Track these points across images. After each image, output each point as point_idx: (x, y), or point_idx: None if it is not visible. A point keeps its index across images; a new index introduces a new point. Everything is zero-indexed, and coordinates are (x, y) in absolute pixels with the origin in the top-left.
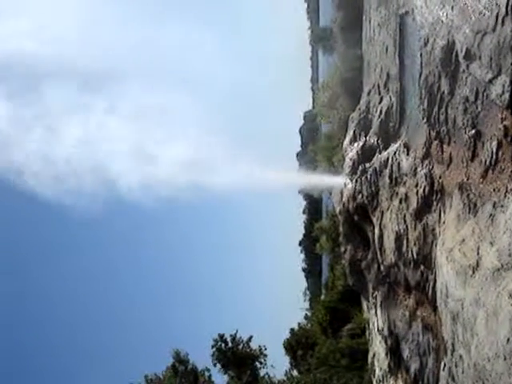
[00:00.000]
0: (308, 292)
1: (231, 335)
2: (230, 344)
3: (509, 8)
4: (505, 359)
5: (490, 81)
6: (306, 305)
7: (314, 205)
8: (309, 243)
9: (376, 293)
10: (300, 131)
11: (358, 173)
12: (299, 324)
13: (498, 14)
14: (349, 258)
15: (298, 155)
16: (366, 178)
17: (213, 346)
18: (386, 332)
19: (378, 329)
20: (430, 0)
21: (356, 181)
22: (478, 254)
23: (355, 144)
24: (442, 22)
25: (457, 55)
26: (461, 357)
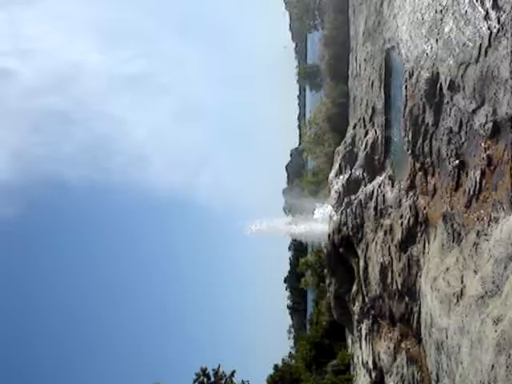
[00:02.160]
0: (292, 329)
1: (213, 369)
2: (212, 378)
3: (492, 39)
4: None
5: (474, 111)
6: (291, 342)
7: (299, 242)
8: (294, 280)
9: (361, 326)
10: (286, 168)
11: (344, 205)
12: (283, 360)
13: (481, 45)
14: (334, 290)
15: (284, 192)
16: (352, 210)
17: (194, 381)
18: (370, 365)
19: (362, 362)
20: (415, 34)
21: (341, 213)
22: (462, 282)
23: (341, 177)
24: (427, 54)
25: (441, 87)
26: None
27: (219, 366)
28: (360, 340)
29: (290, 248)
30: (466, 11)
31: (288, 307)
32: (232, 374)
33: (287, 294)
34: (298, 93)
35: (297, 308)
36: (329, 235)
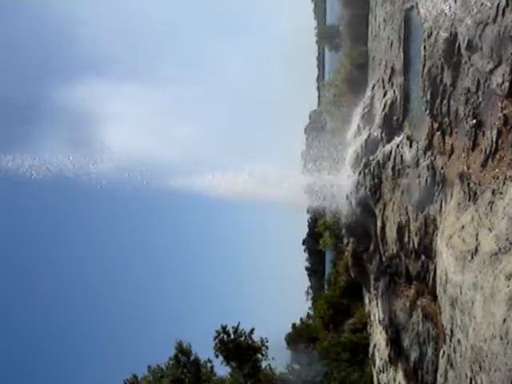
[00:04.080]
0: (311, 291)
1: (233, 327)
2: (232, 336)
3: None
4: (501, 339)
5: (491, 71)
6: (309, 304)
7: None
8: (312, 242)
9: (377, 284)
10: (305, 130)
11: (362, 165)
12: (301, 319)
13: (498, 4)
14: (351, 250)
15: (302, 154)
16: (369, 170)
17: (215, 338)
18: (386, 322)
19: (378, 319)
20: None
21: (359, 173)
22: (476, 239)
23: (359, 137)
24: (445, 14)
25: (459, 47)
26: (459, 341)
27: (239, 324)
28: (377, 298)
29: (308, 210)
30: None
31: (306, 269)
32: (251, 331)
33: (305, 255)
34: (316, 54)
35: (315, 269)
36: (346, 195)
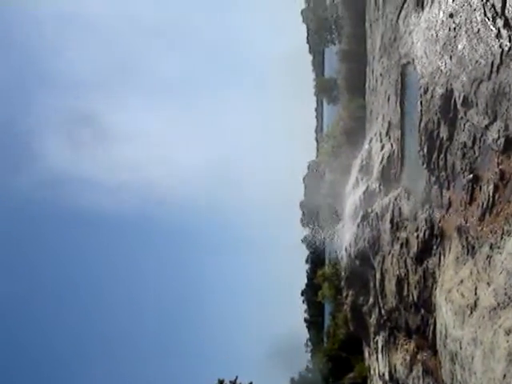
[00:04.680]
0: (310, 343)
1: (231, 381)
2: None
3: (503, 57)
4: None
5: (487, 126)
6: (308, 356)
7: (316, 254)
8: (311, 293)
9: (377, 338)
10: (304, 180)
11: (360, 217)
12: (300, 373)
13: (493, 62)
14: (350, 302)
15: (301, 204)
16: (368, 222)
17: None
18: (387, 377)
19: (379, 374)
20: (429, 50)
21: (358, 225)
22: (475, 294)
23: (357, 189)
24: (441, 71)
25: (455, 102)
26: None
27: (236, 378)
28: (377, 352)
29: (307, 261)
30: (479, 29)
31: (305, 320)
32: None
33: (304, 307)
34: (315, 105)
35: (314, 321)
36: (345, 248)
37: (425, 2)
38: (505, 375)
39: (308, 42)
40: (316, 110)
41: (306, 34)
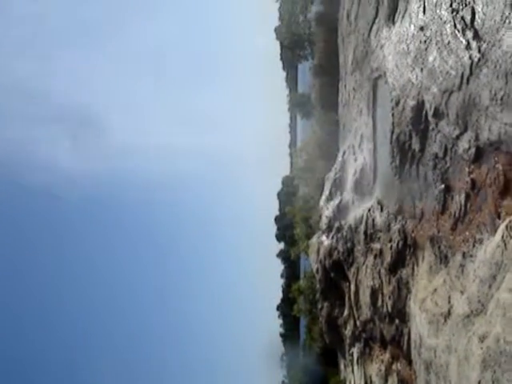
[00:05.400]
0: (285, 357)
1: None
2: None
3: (473, 68)
4: None
5: (457, 137)
6: (284, 371)
7: (292, 268)
8: (286, 307)
9: (352, 349)
10: (278, 196)
11: (334, 230)
12: None
13: (463, 73)
14: (325, 315)
15: (276, 219)
16: (342, 234)
17: None
18: None
19: None
20: (401, 63)
21: (332, 238)
22: (449, 302)
23: (331, 202)
24: (412, 83)
25: (426, 114)
26: None
27: None
28: (352, 364)
29: (282, 275)
30: (449, 41)
31: (280, 335)
32: None
33: (280, 321)
34: (289, 121)
35: (290, 335)
36: (320, 260)
37: (396, 17)
38: (479, 382)
39: (281, 59)
40: (290, 125)
41: (279, 51)
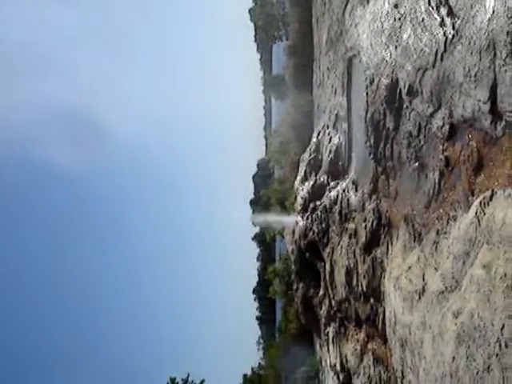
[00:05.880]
0: (262, 340)
1: (183, 379)
2: None
3: (447, 45)
4: (451, 377)
5: (431, 114)
6: (260, 354)
7: (267, 251)
8: (262, 290)
9: (328, 329)
10: (253, 179)
11: (309, 210)
12: (253, 369)
13: (437, 50)
14: (301, 295)
15: (251, 202)
16: (317, 215)
17: None
18: (338, 367)
19: (330, 365)
20: (375, 42)
21: (307, 218)
22: (423, 279)
23: (306, 183)
24: (386, 61)
25: (400, 92)
26: (410, 382)
27: (188, 376)
28: (328, 343)
29: (258, 258)
30: (423, 18)
31: (257, 318)
32: (201, 382)
33: (256, 304)
34: (263, 103)
35: (266, 318)
36: (295, 240)
37: None
38: (454, 357)
39: (256, 41)
40: (264, 107)
41: (253, 33)
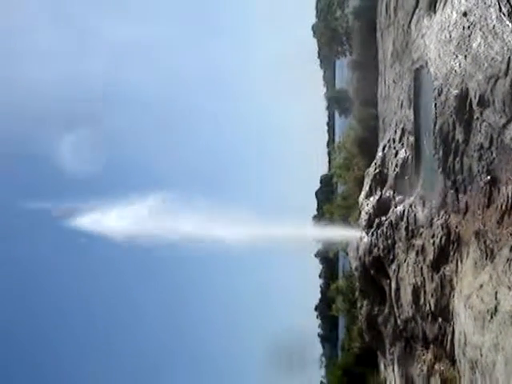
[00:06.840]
0: (324, 358)
1: None
2: None
3: None
4: None
5: (504, 125)
6: (322, 372)
7: (330, 268)
8: (325, 308)
9: (393, 349)
10: (316, 195)
11: (374, 226)
12: None
13: (509, 58)
14: (365, 313)
15: (314, 218)
16: (382, 231)
17: None
18: None
19: None
20: (443, 52)
21: (372, 234)
22: (495, 298)
23: (371, 198)
24: (456, 71)
25: (470, 103)
26: None
27: None
28: (393, 363)
29: (320, 275)
30: (494, 26)
31: (319, 335)
32: None
33: (318, 322)
34: (327, 119)
35: (328, 336)
36: (359, 257)
37: (437, 5)
38: None
39: (319, 57)
40: (327, 124)
41: (316, 49)
